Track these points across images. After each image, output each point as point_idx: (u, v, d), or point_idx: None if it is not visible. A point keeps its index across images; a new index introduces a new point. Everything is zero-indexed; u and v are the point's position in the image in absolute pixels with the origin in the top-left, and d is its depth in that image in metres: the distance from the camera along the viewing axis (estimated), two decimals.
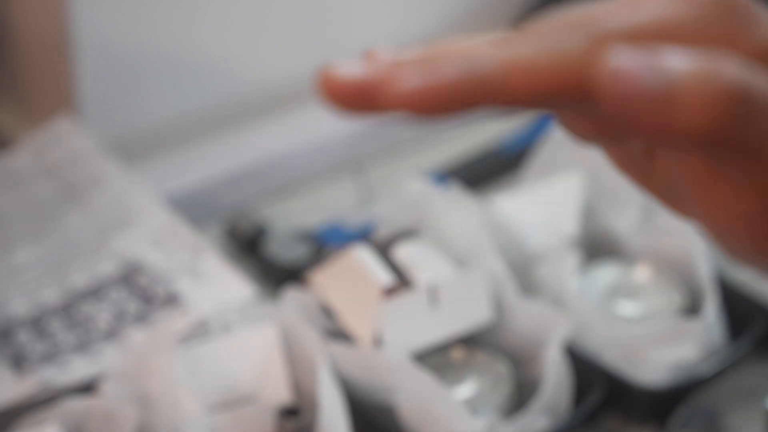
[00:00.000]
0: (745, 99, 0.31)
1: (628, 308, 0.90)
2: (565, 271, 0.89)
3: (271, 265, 0.98)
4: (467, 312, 0.83)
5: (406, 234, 0.87)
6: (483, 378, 0.82)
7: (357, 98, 0.35)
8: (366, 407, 0.80)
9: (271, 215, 1.07)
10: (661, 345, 0.83)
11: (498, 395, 0.81)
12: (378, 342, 0.80)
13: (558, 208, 0.93)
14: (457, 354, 0.84)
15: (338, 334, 0.83)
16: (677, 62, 0.31)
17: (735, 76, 0.31)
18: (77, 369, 0.83)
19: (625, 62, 0.30)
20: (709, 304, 0.86)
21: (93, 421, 0.74)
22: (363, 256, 0.83)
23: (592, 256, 0.96)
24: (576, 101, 0.33)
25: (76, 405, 0.75)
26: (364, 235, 0.99)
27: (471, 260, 0.86)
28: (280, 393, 0.80)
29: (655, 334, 0.83)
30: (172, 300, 0.89)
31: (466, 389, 0.82)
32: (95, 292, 0.91)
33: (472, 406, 0.79)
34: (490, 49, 0.34)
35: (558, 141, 0.97)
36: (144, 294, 0.90)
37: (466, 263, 0.86)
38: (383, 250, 0.86)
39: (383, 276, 0.82)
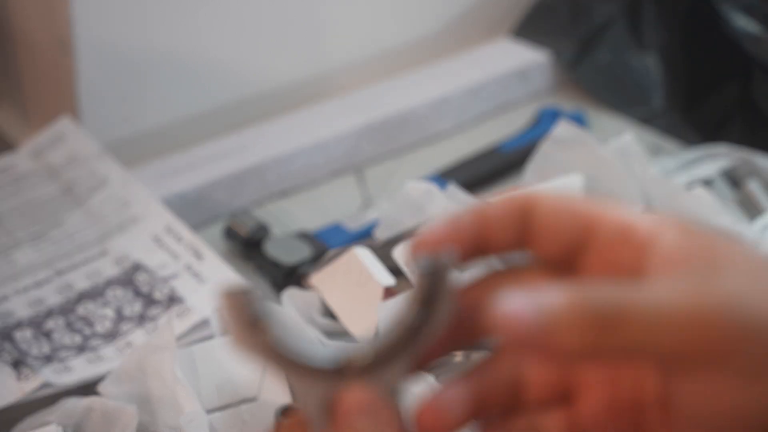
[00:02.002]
0: (606, 316, 0.39)
1: None
2: None
3: (271, 265, 0.98)
4: None
5: (406, 234, 0.87)
6: None
7: None
8: None
9: (272, 215, 1.07)
10: None
11: None
12: None
13: None
14: (457, 354, 0.84)
15: (338, 334, 0.83)
16: (552, 297, 0.39)
17: (594, 299, 0.39)
18: (77, 369, 0.83)
19: (511, 305, 0.39)
20: None
21: (93, 422, 0.74)
22: (363, 257, 0.83)
23: None
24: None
25: (76, 405, 0.75)
26: (364, 236, 0.99)
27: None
28: (279, 393, 0.80)
29: None
30: (172, 300, 0.89)
31: None
32: (95, 293, 0.91)
33: None
34: None
35: (558, 141, 0.97)
36: (144, 294, 0.90)
37: None
38: (383, 250, 0.86)
39: (383, 277, 0.82)
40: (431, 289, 0.43)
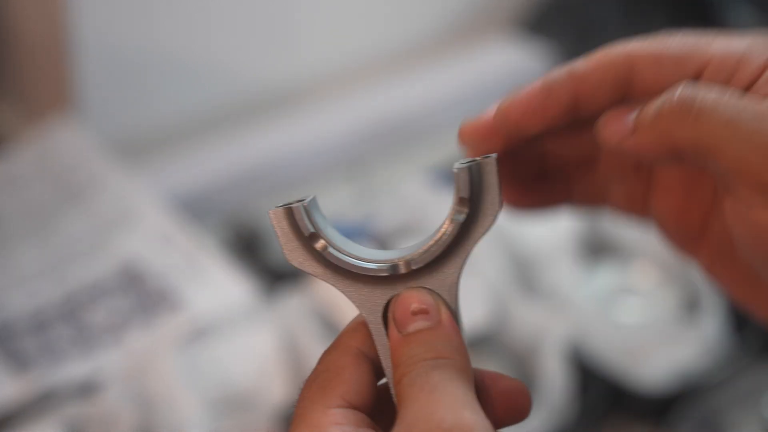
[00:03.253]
0: (686, 105, 0.39)
1: (628, 308, 0.90)
2: (565, 272, 0.89)
3: (271, 265, 0.98)
4: (467, 313, 0.83)
5: (405, 232, 0.87)
6: None
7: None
8: None
9: None
10: (661, 349, 0.83)
11: None
12: None
13: None
14: None
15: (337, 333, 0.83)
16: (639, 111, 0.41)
17: (681, 93, 0.40)
18: (76, 368, 0.83)
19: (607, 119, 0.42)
20: (708, 308, 0.86)
21: (93, 422, 0.75)
22: None
23: (592, 257, 0.96)
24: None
25: (75, 407, 0.75)
26: (363, 235, 0.98)
27: (471, 261, 0.86)
28: (279, 393, 0.80)
29: (655, 338, 0.83)
30: (171, 300, 0.89)
31: None
32: (95, 292, 0.91)
33: None
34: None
35: None
36: (144, 294, 0.90)
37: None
38: (382, 245, 0.86)
39: None
40: (478, 186, 0.42)
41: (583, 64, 0.44)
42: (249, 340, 0.80)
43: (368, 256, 0.43)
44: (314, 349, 0.79)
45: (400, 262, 0.42)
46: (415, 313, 0.42)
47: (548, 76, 0.44)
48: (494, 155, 0.42)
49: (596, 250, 0.96)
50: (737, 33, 0.42)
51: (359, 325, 0.43)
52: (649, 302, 0.91)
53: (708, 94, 0.39)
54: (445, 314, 0.42)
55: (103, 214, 0.97)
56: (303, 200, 0.43)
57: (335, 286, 0.43)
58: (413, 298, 0.42)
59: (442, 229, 0.43)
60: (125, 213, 0.97)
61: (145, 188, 0.99)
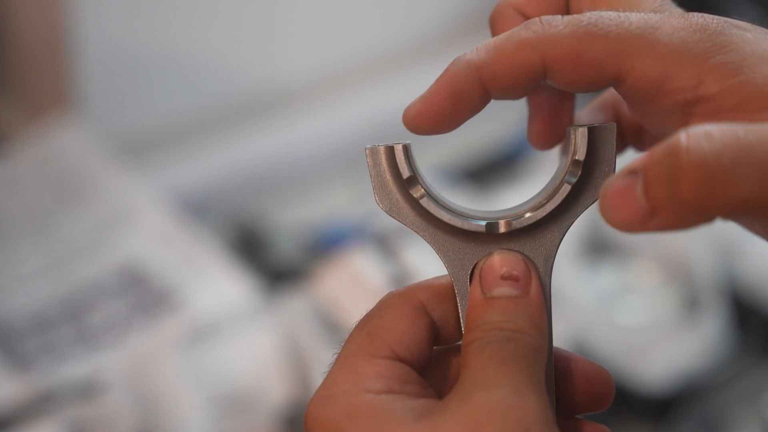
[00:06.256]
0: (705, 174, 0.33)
1: (629, 308, 0.90)
2: (565, 272, 0.89)
3: (271, 265, 0.98)
4: None
5: (405, 232, 0.87)
6: None
7: None
8: None
9: (271, 215, 1.07)
10: (662, 348, 0.83)
11: None
12: None
13: None
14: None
15: (338, 333, 0.83)
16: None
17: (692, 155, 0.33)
18: (77, 368, 0.83)
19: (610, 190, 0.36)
20: (709, 307, 0.85)
21: (93, 422, 0.74)
22: (363, 256, 0.83)
23: (593, 256, 0.95)
24: None
25: (75, 408, 0.75)
26: (363, 233, 0.98)
27: None
28: (279, 394, 0.80)
29: (656, 338, 0.83)
30: (172, 300, 0.89)
31: None
32: (95, 292, 0.91)
33: None
34: None
35: None
36: (144, 294, 0.90)
37: None
38: (383, 244, 0.86)
39: (383, 275, 0.82)
40: (594, 152, 0.38)
41: (491, 58, 0.39)
42: (250, 340, 0.80)
43: (466, 211, 0.39)
44: (315, 349, 0.79)
45: (501, 221, 0.39)
46: (504, 278, 0.38)
47: (453, 75, 0.39)
48: (614, 123, 0.39)
49: (597, 249, 0.96)
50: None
51: (435, 281, 0.39)
52: (650, 302, 0.90)
53: (722, 147, 0.33)
54: (535, 286, 0.39)
55: (104, 214, 0.97)
56: (398, 144, 0.39)
57: (424, 238, 0.39)
58: (506, 261, 0.39)
59: (551, 190, 0.39)
60: (125, 213, 0.97)
61: (146, 188, 0.99)
